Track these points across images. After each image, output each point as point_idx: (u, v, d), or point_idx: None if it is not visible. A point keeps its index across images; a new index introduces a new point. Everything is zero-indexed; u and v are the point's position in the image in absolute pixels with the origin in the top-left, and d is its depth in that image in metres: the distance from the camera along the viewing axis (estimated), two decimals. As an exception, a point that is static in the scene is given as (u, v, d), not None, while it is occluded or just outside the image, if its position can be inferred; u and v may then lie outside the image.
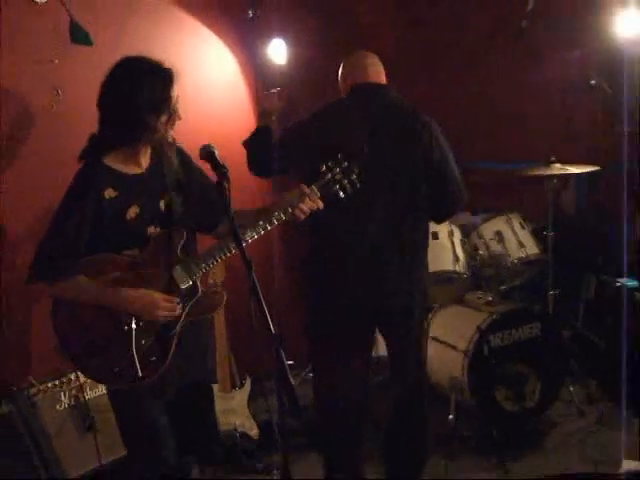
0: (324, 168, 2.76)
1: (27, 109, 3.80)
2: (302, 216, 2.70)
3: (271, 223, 2.66)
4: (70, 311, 2.53)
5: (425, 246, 3.40)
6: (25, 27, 3.73)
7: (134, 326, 2.52)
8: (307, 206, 2.69)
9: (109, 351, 2.52)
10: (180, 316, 2.59)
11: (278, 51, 4.63)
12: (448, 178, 3.33)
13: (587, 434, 4.11)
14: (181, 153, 2.76)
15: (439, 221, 3.64)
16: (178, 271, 2.58)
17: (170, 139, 2.61)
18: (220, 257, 2.62)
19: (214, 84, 4.65)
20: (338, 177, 2.75)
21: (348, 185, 2.77)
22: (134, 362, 2.50)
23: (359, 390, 3.44)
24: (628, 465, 2.42)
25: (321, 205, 2.72)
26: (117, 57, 2.58)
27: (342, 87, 3.47)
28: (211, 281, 2.70)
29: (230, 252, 2.59)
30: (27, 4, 3.70)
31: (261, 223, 2.64)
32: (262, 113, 3.54)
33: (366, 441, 3.52)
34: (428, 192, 3.29)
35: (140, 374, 2.51)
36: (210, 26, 4.57)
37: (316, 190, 2.72)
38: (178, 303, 2.57)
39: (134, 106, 2.48)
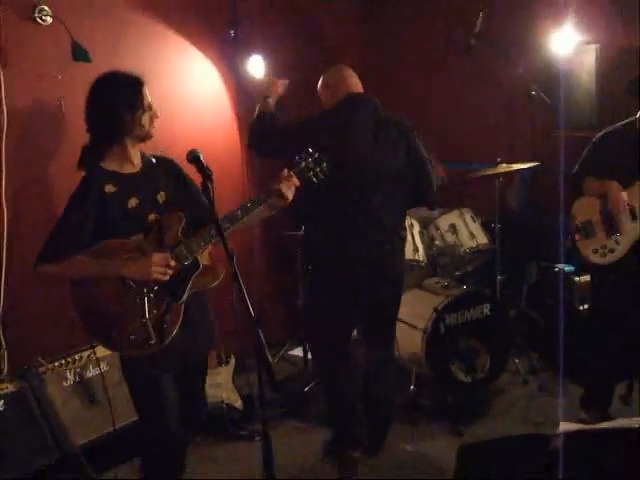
0: (297, 158, 2.80)
1: (33, 119, 3.78)
2: (288, 194, 2.69)
3: (257, 204, 2.68)
4: (87, 288, 2.56)
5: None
6: (31, 46, 3.71)
7: (146, 297, 2.54)
8: (288, 184, 2.70)
9: (125, 321, 2.54)
10: (186, 286, 2.61)
11: (257, 66, 4.65)
12: (428, 175, 3.41)
13: (530, 400, 4.18)
14: (171, 162, 2.81)
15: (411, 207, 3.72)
16: (180, 250, 2.60)
17: (152, 135, 2.67)
18: (215, 236, 2.59)
19: (199, 96, 4.64)
20: (311, 165, 2.80)
21: (320, 172, 2.81)
22: (148, 329, 2.52)
23: (354, 367, 3.46)
24: (565, 426, 2.47)
25: (297, 183, 2.73)
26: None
27: (327, 98, 3.43)
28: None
29: (225, 231, 2.55)
30: (33, 25, 3.69)
31: (249, 205, 2.67)
32: (258, 95, 3.51)
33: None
34: (410, 187, 3.37)
35: (153, 340, 2.53)
36: (195, 44, 4.57)
37: (292, 174, 2.75)
38: (171, 260, 2.56)
39: (113, 107, 2.58)
